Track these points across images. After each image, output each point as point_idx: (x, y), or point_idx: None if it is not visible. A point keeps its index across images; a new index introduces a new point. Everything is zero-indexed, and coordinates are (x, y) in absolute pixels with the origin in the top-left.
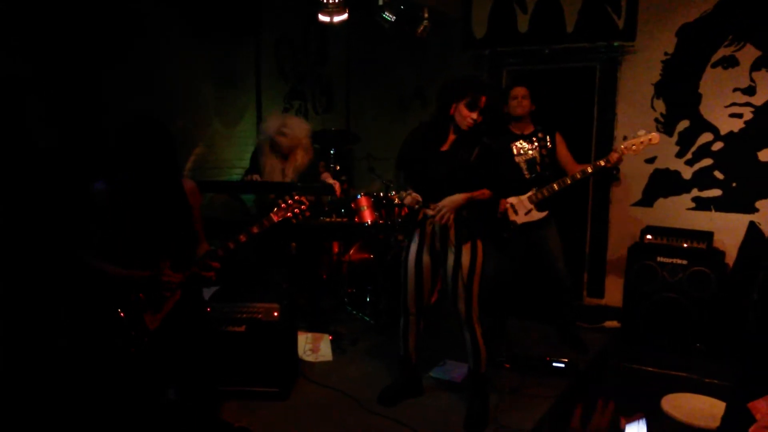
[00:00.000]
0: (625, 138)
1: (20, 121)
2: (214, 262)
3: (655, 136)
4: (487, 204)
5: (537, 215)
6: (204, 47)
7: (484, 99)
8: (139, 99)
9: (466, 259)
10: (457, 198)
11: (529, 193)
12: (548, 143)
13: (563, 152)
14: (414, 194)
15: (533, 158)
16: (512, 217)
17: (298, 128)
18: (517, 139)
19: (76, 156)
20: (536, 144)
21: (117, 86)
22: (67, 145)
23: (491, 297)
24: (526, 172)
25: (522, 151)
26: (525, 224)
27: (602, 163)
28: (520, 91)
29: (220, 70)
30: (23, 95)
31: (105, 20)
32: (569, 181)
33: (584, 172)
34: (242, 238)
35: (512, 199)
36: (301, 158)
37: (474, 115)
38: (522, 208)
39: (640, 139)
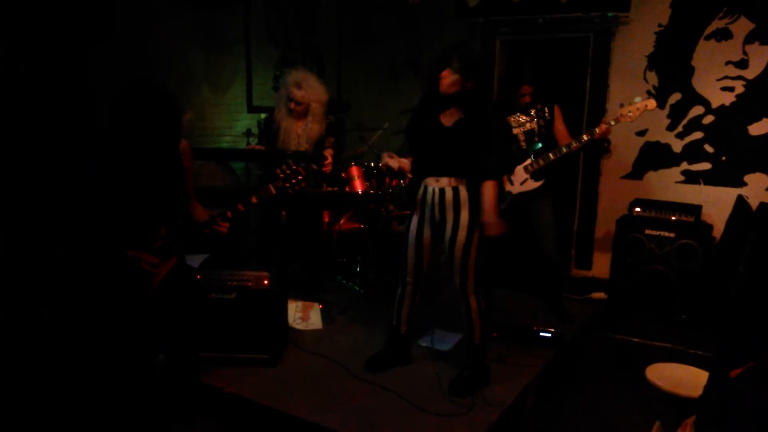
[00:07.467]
0: (622, 105)
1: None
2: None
3: (651, 102)
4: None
5: (532, 185)
6: (192, 13)
7: (453, 59)
8: (127, 67)
9: (462, 233)
10: (494, 219)
11: (526, 163)
12: (546, 114)
13: (559, 125)
14: (400, 160)
15: (531, 130)
16: (507, 187)
17: (316, 86)
18: (515, 112)
19: (64, 125)
20: (534, 116)
21: (104, 55)
22: (52, 115)
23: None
24: (523, 144)
25: (520, 123)
26: (520, 194)
27: (586, 137)
28: (528, 89)
29: (209, 36)
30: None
31: None
32: (565, 150)
33: (580, 139)
34: (240, 207)
35: None
36: (317, 129)
37: (446, 75)
38: (518, 178)
39: (637, 106)
